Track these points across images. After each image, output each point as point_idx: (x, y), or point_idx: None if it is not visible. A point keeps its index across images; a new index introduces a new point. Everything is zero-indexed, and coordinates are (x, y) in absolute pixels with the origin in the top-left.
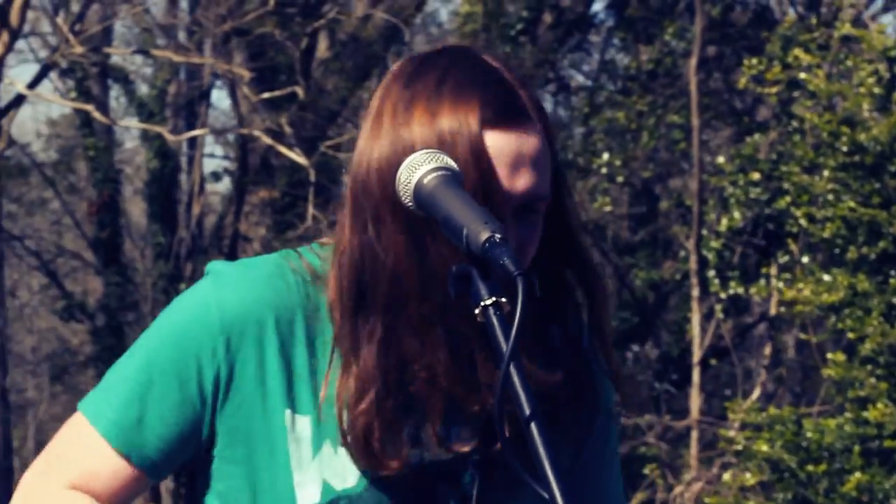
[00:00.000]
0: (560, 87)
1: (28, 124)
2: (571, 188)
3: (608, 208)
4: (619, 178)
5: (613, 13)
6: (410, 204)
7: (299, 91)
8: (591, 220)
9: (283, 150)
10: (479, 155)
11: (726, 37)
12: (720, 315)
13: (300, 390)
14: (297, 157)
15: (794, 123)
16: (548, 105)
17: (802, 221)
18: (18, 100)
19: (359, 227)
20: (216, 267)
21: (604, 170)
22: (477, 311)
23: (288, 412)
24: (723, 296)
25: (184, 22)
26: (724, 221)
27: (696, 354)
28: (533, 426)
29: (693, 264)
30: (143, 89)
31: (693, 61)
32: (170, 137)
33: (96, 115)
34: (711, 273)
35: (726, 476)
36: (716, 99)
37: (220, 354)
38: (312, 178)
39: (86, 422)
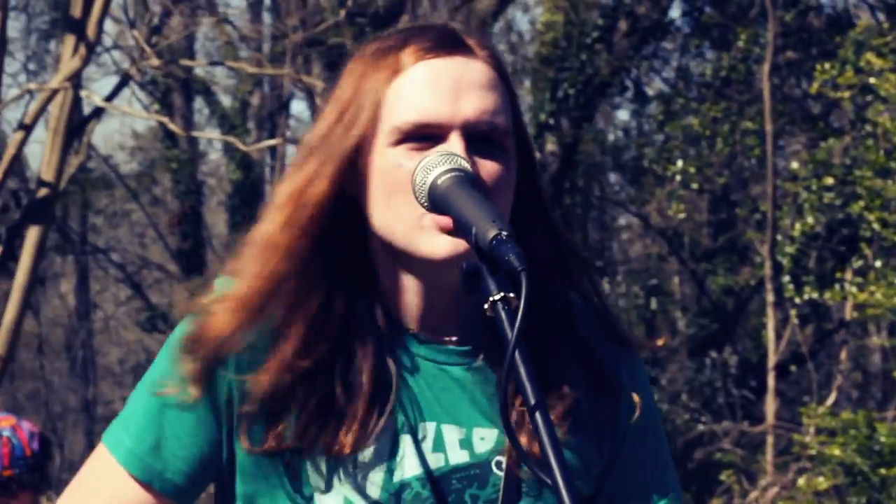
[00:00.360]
0: (636, 95)
1: (115, 137)
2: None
3: (682, 215)
4: (694, 185)
5: (689, 20)
6: (425, 203)
7: None
8: (670, 226)
9: None
10: (409, 90)
11: (801, 42)
12: (795, 321)
13: None
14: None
15: (868, 128)
16: (624, 113)
17: (875, 226)
18: (97, 112)
19: None
20: (223, 282)
21: (678, 177)
22: (486, 306)
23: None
24: (798, 301)
25: (263, 33)
26: (798, 226)
27: (772, 360)
28: (538, 415)
29: (768, 270)
30: (225, 101)
31: (766, 67)
32: (244, 148)
33: (172, 126)
34: (786, 279)
35: (801, 481)
36: (790, 105)
37: (230, 366)
38: None
39: (107, 452)
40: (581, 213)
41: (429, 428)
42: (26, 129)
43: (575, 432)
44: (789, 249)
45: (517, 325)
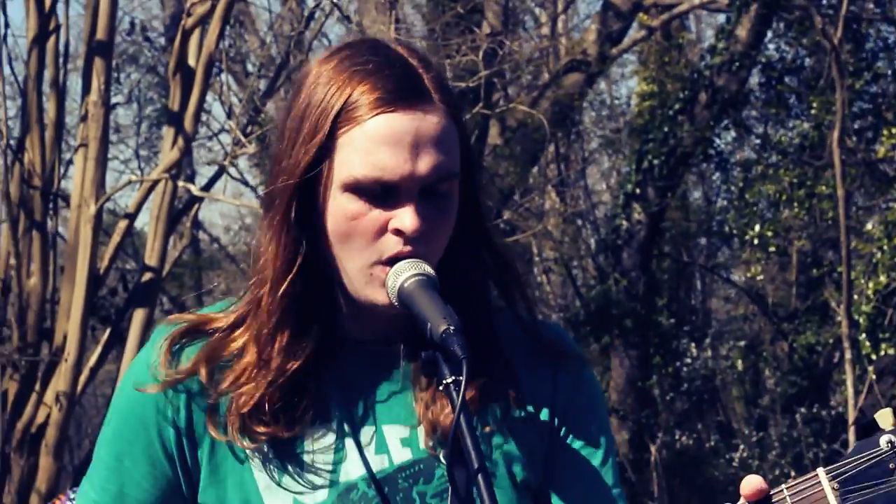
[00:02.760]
0: (718, 165)
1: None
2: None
3: (760, 277)
4: (772, 248)
5: (766, 90)
6: (396, 302)
7: None
8: (754, 288)
9: None
10: (368, 145)
11: (871, 108)
12: (873, 377)
13: None
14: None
15: None
16: (699, 183)
17: None
18: (195, 200)
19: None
20: (157, 330)
21: (756, 241)
22: (440, 388)
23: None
24: (874, 357)
25: None
26: (871, 285)
27: (851, 415)
28: (480, 479)
29: (845, 329)
30: None
31: (836, 133)
32: None
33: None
34: (863, 336)
35: None
36: (860, 168)
37: (171, 409)
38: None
39: None
40: (669, 279)
41: (370, 431)
42: (130, 217)
43: (514, 426)
44: (865, 308)
45: (459, 402)
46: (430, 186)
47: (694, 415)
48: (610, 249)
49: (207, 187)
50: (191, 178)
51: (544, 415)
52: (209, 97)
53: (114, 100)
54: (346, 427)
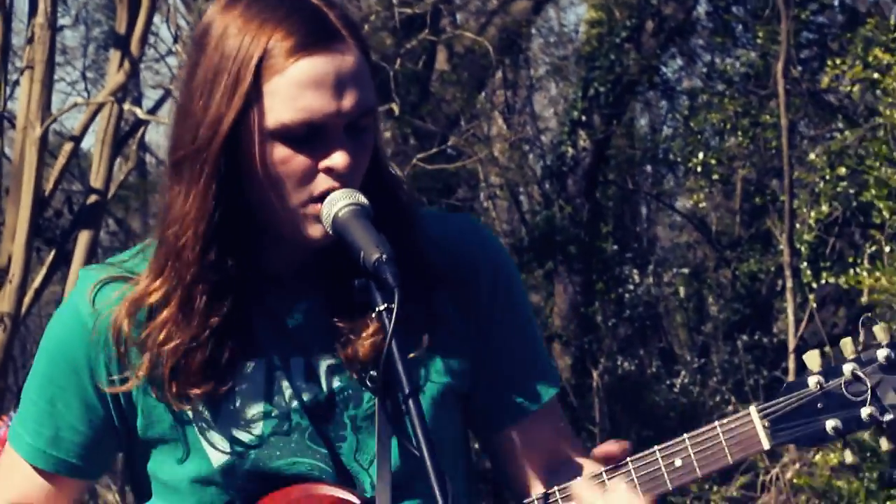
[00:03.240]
0: (664, 93)
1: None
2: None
3: (703, 204)
4: (715, 176)
5: (714, 18)
6: (330, 231)
7: (394, 107)
8: (697, 214)
9: None
10: (293, 91)
11: (816, 39)
12: (814, 305)
13: None
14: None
15: (878, 120)
16: (645, 110)
17: (886, 213)
18: (140, 123)
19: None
20: (83, 273)
21: (700, 168)
22: (373, 315)
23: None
24: (815, 286)
25: None
26: (814, 214)
27: (791, 343)
28: (411, 403)
29: (787, 257)
30: None
31: (780, 64)
32: None
33: None
34: (804, 265)
35: (817, 458)
36: (804, 99)
37: (103, 352)
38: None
39: (12, 450)
40: (613, 206)
41: (300, 362)
42: (75, 139)
43: (439, 340)
44: (807, 237)
45: (390, 329)
46: (353, 122)
47: (636, 341)
48: (555, 176)
49: (154, 110)
50: (138, 101)
51: (464, 321)
52: (157, 20)
53: (60, 22)
54: (276, 360)
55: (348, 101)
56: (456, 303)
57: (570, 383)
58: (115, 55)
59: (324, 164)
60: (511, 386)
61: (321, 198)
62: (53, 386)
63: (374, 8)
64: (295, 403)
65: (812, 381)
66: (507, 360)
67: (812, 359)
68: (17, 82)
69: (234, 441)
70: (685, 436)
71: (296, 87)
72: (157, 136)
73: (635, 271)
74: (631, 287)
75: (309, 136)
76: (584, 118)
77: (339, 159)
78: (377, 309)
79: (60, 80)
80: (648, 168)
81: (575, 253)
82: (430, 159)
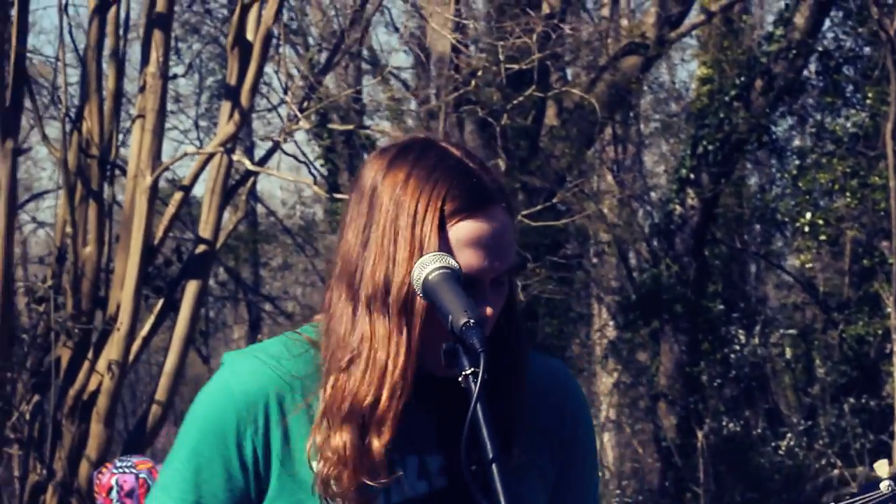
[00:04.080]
0: (773, 151)
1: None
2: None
3: (810, 265)
4: (823, 237)
5: (822, 78)
6: (420, 294)
7: (500, 163)
8: (805, 275)
9: None
10: (454, 248)
11: None
12: None
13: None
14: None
15: None
16: (754, 169)
17: None
18: (250, 174)
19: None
20: (229, 356)
21: (807, 228)
22: (460, 379)
23: (315, 464)
24: None
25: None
26: None
27: None
28: (494, 468)
29: (893, 321)
30: None
31: (889, 125)
32: None
33: (314, 188)
34: None
35: None
36: None
37: (251, 428)
38: None
39: None
40: (721, 265)
41: (414, 460)
42: (185, 189)
43: (528, 463)
44: None
45: (475, 391)
46: (498, 278)
47: (742, 402)
48: (663, 234)
49: (263, 161)
50: (250, 150)
51: (549, 451)
52: (270, 69)
53: (174, 70)
54: (395, 454)
55: (499, 261)
56: (542, 441)
57: (675, 443)
58: (225, 105)
59: None
60: None
61: None
62: (200, 456)
63: (482, 63)
64: (411, 493)
65: (884, 484)
66: (582, 496)
67: (881, 467)
68: (129, 130)
69: None
70: None
71: (457, 245)
72: (270, 186)
73: (741, 331)
74: (737, 347)
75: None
76: (692, 176)
77: (482, 309)
78: (464, 373)
79: (173, 129)
80: (757, 227)
81: (680, 312)
82: (538, 215)
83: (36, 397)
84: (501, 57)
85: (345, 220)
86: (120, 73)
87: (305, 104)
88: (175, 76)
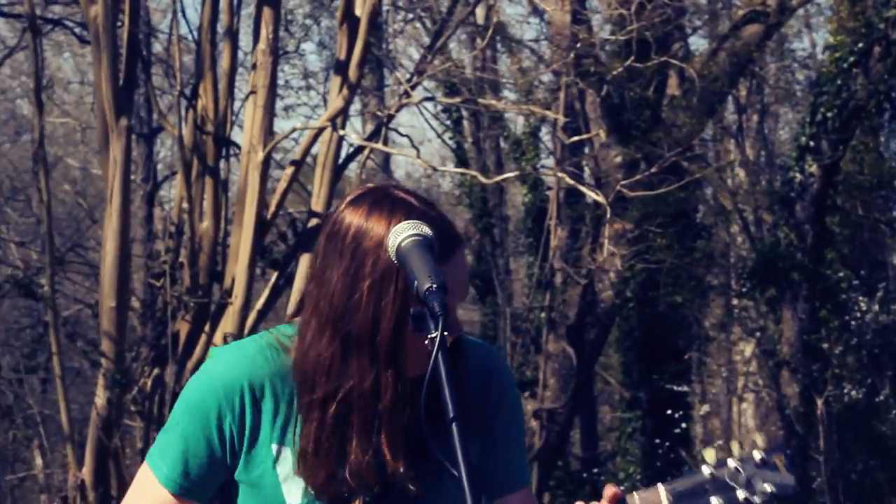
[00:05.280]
0: (893, 117)
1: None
2: None
3: None
4: None
5: None
6: (395, 260)
7: (602, 134)
8: None
9: (582, 188)
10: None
11: None
12: None
13: (280, 430)
14: (594, 196)
15: None
16: (875, 136)
17: None
18: (360, 149)
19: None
20: (215, 351)
21: None
22: (426, 342)
23: (274, 445)
24: None
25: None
26: None
27: None
28: (454, 427)
29: None
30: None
31: None
32: (482, 180)
33: (422, 163)
34: None
35: None
36: None
37: (228, 411)
38: (608, 214)
39: (151, 474)
40: (842, 232)
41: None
42: (296, 164)
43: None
44: None
45: (434, 353)
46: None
47: (865, 369)
48: (783, 201)
49: (371, 136)
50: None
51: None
52: (401, 41)
53: (303, 46)
54: None
55: (461, 294)
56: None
57: (797, 411)
58: (335, 81)
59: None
60: (510, 468)
61: None
62: (187, 433)
63: (602, 34)
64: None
65: (706, 469)
66: (507, 451)
67: (709, 454)
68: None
69: (305, 493)
70: None
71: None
72: (379, 160)
73: (863, 298)
74: (859, 314)
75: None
76: (811, 143)
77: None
78: (429, 336)
79: (303, 105)
80: (880, 194)
81: (798, 279)
82: (660, 184)
83: (155, 371)
84: (623, 27)
85: (324, 261)
86: (234, 51)
87: (414, 79)
88: (304, 53)
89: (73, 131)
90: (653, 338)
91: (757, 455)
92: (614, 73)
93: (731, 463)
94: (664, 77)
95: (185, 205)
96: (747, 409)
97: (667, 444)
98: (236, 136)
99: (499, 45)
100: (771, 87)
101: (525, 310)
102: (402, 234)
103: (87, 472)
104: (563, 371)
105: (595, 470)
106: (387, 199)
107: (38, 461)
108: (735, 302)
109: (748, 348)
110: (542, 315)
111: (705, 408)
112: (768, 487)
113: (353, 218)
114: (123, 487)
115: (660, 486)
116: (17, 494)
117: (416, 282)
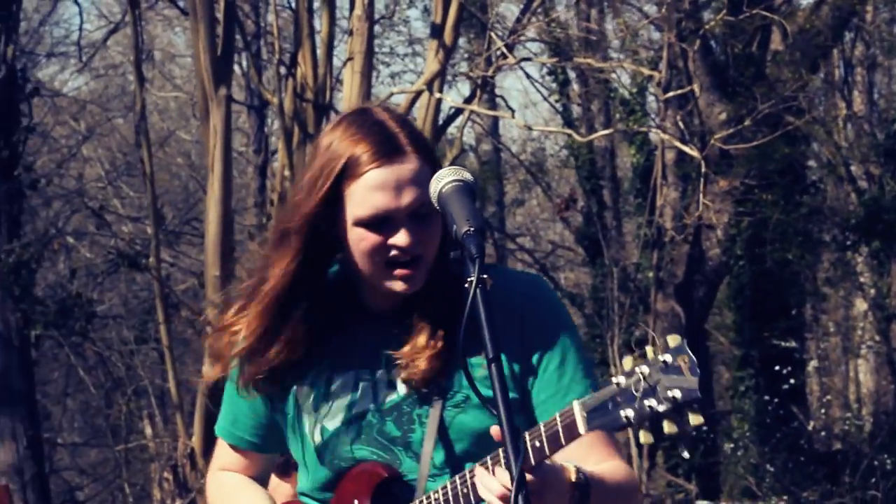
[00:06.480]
0: None
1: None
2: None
3: None
4: None
5: None
6: (436, 204)
7: (696, 89)
8: None
9: (677, 144)
10: (364, 193)
11: None
12: None
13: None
14: (690, 151)
15: None
16: None
17: None
18: (458, 112)
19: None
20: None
21: None
22: (466, 285)
23: (295, 386)
24: None
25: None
26: None
27: None
28: (493, 367)
29: None
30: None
31: None
32: (578, 139)
33: (516, 122)
34: None
35: None
36: None
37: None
38: (703, 169)
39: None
40: None
41: (383, 374)
42: None
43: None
44: None
45: (471, 293)
46: (415, 212)
47: None
48: (888, 154)
49: (469, 99)
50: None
51: (513, 344)
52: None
53: (408, 13)
54: (364, 374)
55: (405, 199)
56: (513, 334)
57: None
58: (431, 44)
59: (391, 241)
60: (549, 408)
61: (391, 265)
62: (232, 388)
63: None
64: (372, 406)
65: (614, 380)
66: (545, 390)
67: (627, 362)
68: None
69: (323, 430)
70: (540, 423)
71: (367, 190)
72: (487, 123)
73: None
74: None
75: (379, 224)
76: None
77: (400, 238)
78: (467, 281)
79: (409, 72)
80: None
81: None
82: (765, 140)
83: None
84: None
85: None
86: (332, 18)
87: (512, 38)
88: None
89: (185, 105)
90: (763, 295)
91: (661, 358)
92: (708, 26)
93: (638, 370)
94: (768, 32)
95: (286, 172)
96: (862, 365)
97: (776, 400)
98: (338, 103)
99: (605, 6)
100: (874, 39)
101: (633, 270)
102: (443, 179)
103: (196, 441)
104: (672, 330)
105: (706, 428)
106: (349, 119)
107: (149, 431)
108: (847, 256)
109: (864, 304)
110: (651, 275)
111: (813, 363)
112: (671, 393)
113: (324, 136)
114: None
115: (575, 403)
116: (130, 464)
117: (454, 226)
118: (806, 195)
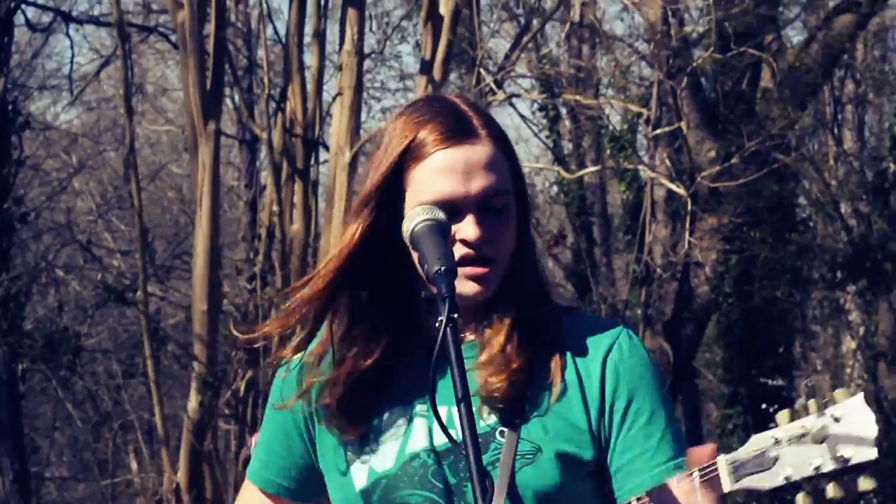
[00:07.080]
0: None
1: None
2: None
3: None
4: None
5: None
6: (409, 244)
7: (683, 126)
8: None
9: (664, 182)
10: (430, 176)
11: None
12: None
13: None
14: (677, 189)
15: None
16: None
17: None
18: None
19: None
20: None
21: None
22: (437, 325)
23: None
24: None
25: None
26: None
27: None
28: (462, 407)
29: None
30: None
31: None
32: (566, 175)
33: None
34: None
35: None
36: None
37: (298, 418)
38: (689, 207)
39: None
40: None
41: (443, 410)
42: None
43: (563, 405)
44: None
45: (440, 338)
46: (485, 202)
47: None
48: (876, 192)
49: None
50: None
51: (593, 394)
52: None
53: (399, 48)
54: (416, 408)
55: (475, 185)
56: (586, 375)
57: (894, 405)
58: (420, 80)
59: (457, 235)
60: (633, 469)
61: (458, 263)
62: (268, 432)
63: (695, 29)
64: (426, 444)
65: (772, 434)
66: (630, 449)
67: (782, 417)
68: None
69: (371, 471)
70: (667, 481)
71: (432, 173)
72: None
73: None
74: None
75: (448, 213)
76: None
77: (467, 231)
78: (440, 319)
79: (400, 106)
80: None
81: (892, 270)
82: (753, 178)
83: (249, 373)
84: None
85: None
86: (322, 53)
87: (500, 76)
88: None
89: (177, 139)
90: (751, 332)
91: (832, 413)
92: (697, 63)
93: (802, 423)
94: (757, 70)
95: (275, 207)
96: None
97: None
98: (328, 138)
99: (597, 42)
100: (863, 77)
101: (622, 307)
102: (415, 219)
103: (181, 476)
104: (660, 368)
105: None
106: (418, 103)
107: (134, 465)
108: (836, 294)
109: (853, 342)
110: (639, 312)
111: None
112: (842, 452)
113: (392, 122)
114: (218, 491)
115: (720, 457)
116: (116, 499)
117: (426, 265)
118: (795, 233)
